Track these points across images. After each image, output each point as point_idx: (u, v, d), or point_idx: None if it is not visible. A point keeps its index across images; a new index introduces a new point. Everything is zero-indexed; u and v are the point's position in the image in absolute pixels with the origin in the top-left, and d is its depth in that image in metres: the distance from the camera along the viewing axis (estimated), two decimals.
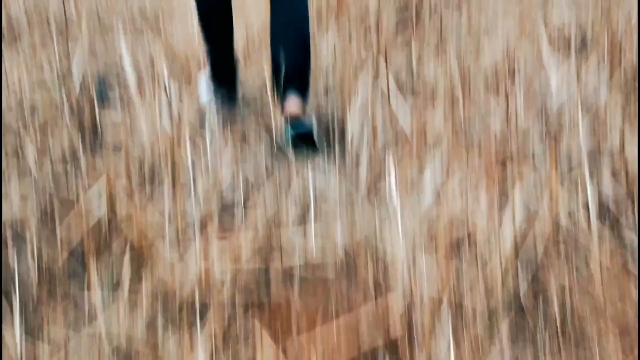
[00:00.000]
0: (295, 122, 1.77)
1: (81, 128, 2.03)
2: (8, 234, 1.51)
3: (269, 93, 2.06)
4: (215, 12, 2.08)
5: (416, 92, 2.21)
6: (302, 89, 1.85)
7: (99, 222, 1.53)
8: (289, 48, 1.84)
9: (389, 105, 2.04)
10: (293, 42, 1.84)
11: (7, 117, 2.18)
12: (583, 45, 2.58)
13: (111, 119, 2.07)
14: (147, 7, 3.18)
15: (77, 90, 2.31)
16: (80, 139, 1.95)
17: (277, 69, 1.85)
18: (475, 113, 2.02)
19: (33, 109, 2.19)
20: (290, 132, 1.77)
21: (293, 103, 1.80)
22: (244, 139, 1.92)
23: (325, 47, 2.57)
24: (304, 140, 1.78)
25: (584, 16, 2.88)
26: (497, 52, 2.49)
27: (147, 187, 1.68)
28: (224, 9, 2.08)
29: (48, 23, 2.97)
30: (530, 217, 1.51)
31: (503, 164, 1.72)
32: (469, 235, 1.47)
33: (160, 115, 1.82)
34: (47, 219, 1.55)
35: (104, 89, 2.33)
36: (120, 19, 3.03)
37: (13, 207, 1.59)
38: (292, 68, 1.83)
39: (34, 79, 2.42)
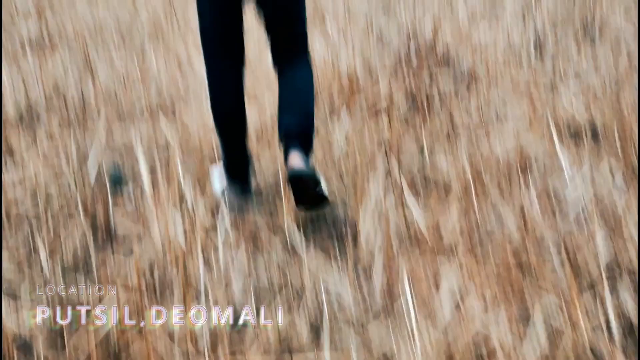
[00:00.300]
0: (296, 169, 1.74)
1: (94, 225, 1.98)
2: (14, 350, 1.44)
3: (281, 187, 2.01)
4: (230, 110, 2.05)
5: (429, 189, 2.15)
6: (305, 148, 1.87)
7: (107, 337, 1.46)
8: (294, 115, 1.90)
9: (402, 204, 1.99)
10: (298, 110, 1.91)
11: (21, 209, 2.14)
12: (594, 136, 2.53)
13: (125, 219, 2.02)
14: (164, 92, 3.17)
15: (93, 180, 2.28)
16: (92, 239, 1.90)
17: (283, 134, 1.91)
18: (489, 214, 1.96)
19: (47, 203, 2.15)
20: (291, 174, 1.74)
21: (296, 158, 1.80)
22: (256, 241, 1.86)
23: (337, 134, 2.54)
24: (305, 182, 1.72)
25: (593, 104, 2.84)
26: (508, 147, 2.44)
27: (158, 296, 1.61)
28: (237, 108, 2.06)
29: (66, 107, 2.97)
30: (553, 338, 1.43)
31: (521, 277, 1.65)
32: (489, 356, 1.38)
33: (174, 219, 1.78)
34: (55, 335, 1.48)
35: (118, 181, 2.29)
36: (137, 106, 3.02)
37: (22, 321, 1.53)
38: (296, 130, 1.88)
39: (50, 170, 2.39)
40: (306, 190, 1.73)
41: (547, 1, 4.75)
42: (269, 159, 2.45)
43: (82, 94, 3.10)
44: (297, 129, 1.87)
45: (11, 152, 2.56)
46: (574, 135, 2.57)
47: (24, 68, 3.56)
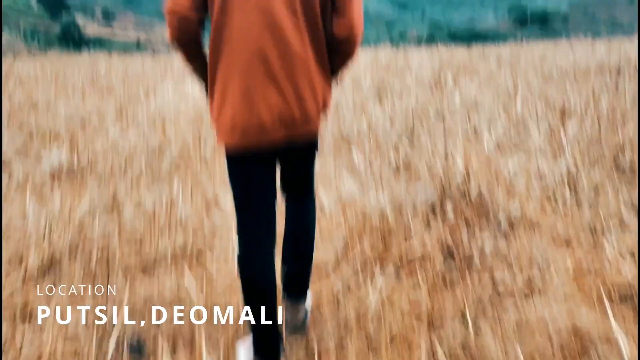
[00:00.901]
0: (294, 325, 2.04)
1: None
2: None
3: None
4: (260, 282, 1.86)
5: None
6: (304, 290, 2.10)
7: None
8: (297, 257, 2.04)
9: None
10: (301, 251, 2.04)
11: None
12: None
13: None
14: (190, 236, 3.00)
15: (110, 355, 2.05)
16: None
17: (285, 274, 2.07)
18: None
19: None
20: (289, 328, 2.03)
21: (296, 313, 2.07)
22: None
23: (370, 296, 2.31)
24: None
25: (638, 258, 2.60)
26: (558, 317, 2.19)
27: None
28: (268, 277, 1.87)
29: (90, 257, 2.79)
30: None
31: None
32: None
33: None
34: None
35: (137, 358, 2.07)
36: (162, 252, 2.84)
37: None
38: (298, 275, 2.06)
39: (68, 342, 2.18)
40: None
41: (572, 128, 4.61)
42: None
43: (108, 238, 2.94)
44: (298, 271, 2.05)
45: (29, 316, 2.36)
46: (626, 298, 2.32)
47: (49, 206, 3.43)
